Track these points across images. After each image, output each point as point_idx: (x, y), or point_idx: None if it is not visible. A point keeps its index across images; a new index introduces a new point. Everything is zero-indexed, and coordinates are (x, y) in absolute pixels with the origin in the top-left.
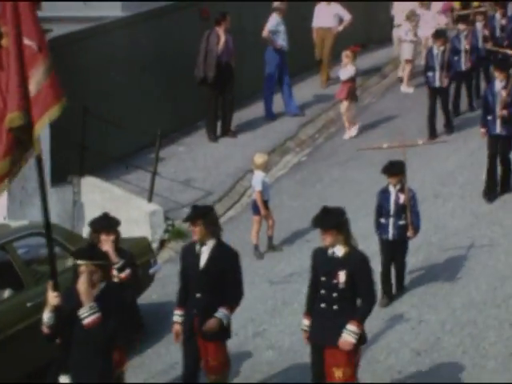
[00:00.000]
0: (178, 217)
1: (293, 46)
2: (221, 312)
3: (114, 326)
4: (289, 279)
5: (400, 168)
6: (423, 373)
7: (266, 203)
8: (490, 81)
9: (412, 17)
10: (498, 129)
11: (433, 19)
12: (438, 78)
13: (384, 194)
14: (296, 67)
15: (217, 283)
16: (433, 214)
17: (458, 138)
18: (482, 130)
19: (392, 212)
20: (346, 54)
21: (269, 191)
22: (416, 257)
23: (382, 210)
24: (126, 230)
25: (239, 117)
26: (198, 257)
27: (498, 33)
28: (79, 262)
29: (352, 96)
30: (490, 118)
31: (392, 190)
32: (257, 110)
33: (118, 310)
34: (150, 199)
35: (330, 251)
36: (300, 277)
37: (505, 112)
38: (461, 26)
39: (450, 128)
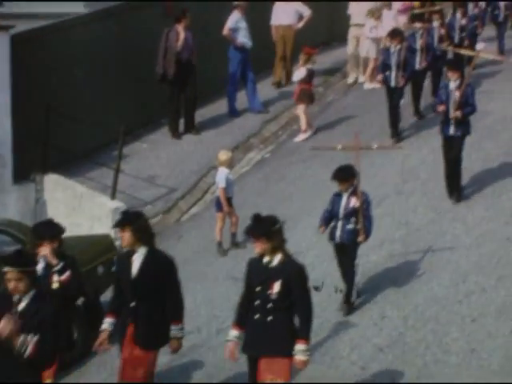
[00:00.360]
0: None
1: (257, 43)
2: (174, 330)
3: (42, 344)
4: None
5: (350, 173)
6: (386, 368)
7: (229, 200)
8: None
9: (376, 12)
10: (452, 130)
11: (393, 19)
12: (394, 78)
13: (336, 196)
14: (260, 64)
15: (151, 291)
16: (395, 211)
17: (420, 136)
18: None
19: (341, 215)
20: (300, 56)
21: (232, 188)
22: (379, 253)
23: (331, 213)
24: (89, 228)
25: (203, 114)
26: (130, 265)
27: (457, 33)
28: (6, 268)
29: (304, 98)
30: (443, 118)
31: (344, 193)
32: (220, 107)
33: (45, 324)
34: (113, 196)
35: (265, 260)
36: None
37: (458, 113)
38: (417, 25)
39: (396, 134)
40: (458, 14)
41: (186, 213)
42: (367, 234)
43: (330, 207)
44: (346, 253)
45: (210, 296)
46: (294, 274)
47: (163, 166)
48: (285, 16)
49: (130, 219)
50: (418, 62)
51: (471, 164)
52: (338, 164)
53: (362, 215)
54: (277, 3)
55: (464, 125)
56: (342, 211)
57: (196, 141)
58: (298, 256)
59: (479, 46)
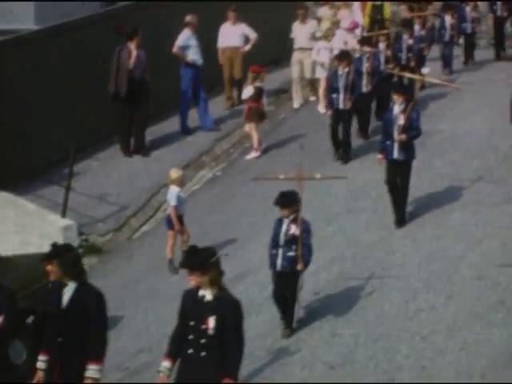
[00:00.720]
0: (93, 232)
1: (210, 61)
2: (91, 370)
3: None
4: None
5: (292, 199)
6: None
7: (180, 218)
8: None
9: (330, 36)
10: (396, 154)
11: (341, 38)
12: (342, 100)
13: (278, 222)
14: (213, 82)
15: (78, 327)
16: (346, 228)
17: (370, 154)
18: (380, 155)
19: (281, 242)
20: (248, 75)
21: (184, 206)
22: (330, 271)
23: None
24: (39, 246)
25: (155, 131)
26: (60, 298)
27: (404, 53)
28: None
29: (254, 116)
30: (388, 142)
31: (285, 219)
32: (173, 124)
33: None
34: (63, 214)
35: (200, 294)
36: None
37: (403, 136)
38: (366, 49)
39: (347, 154)
40: (405, 35)
41: (137, 231)
42: (306, 263)
43: (273, 232)
44: (287, 281)
45: (162, 314)
46: (230, 310)
47: (114, 184)
48: (231, 38)
49: (56, 253)
50: (365, 85)
51: (421, 182)
52: (289, 182)
53: (301, 243)
54: (224, 25)
55: (408, 149)
56: (282, 238)
57: (147, 158)
58: (249, 274)
59: (424, 70)
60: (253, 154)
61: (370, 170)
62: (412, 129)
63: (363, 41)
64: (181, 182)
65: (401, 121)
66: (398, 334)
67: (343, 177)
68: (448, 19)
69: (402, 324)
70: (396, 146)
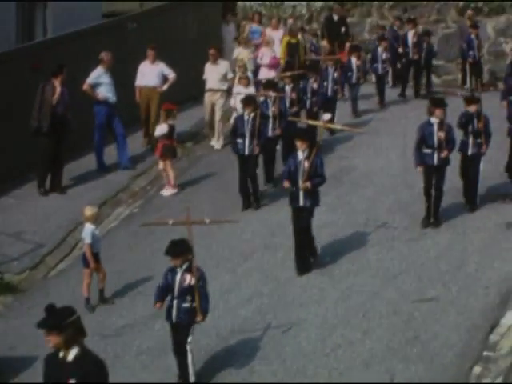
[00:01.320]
0: (8, 270)
1: (127, 98)
2: None
3: None
4: (120, 332)
5: (183, 248)
6: None
7: (96, 256)
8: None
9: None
10: (302, 201)
11: (263, 75)
12: (248, 146)
13: (171, 272)
14: (131, 118)
15: None
16: (264, 265)
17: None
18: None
19: (176, 293)
20: (161, 112)
21: (99, 243)
22: (248, 308)
23: (164, 289)
24: None
25: (72, 168)
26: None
27: (308, 97)
28: None
29: (168, 153)
30: (294, 189)
31: (178, 269)
32: (90, 161)
33: None
34: None
35: (60, 355)
36: (132, 329)
37: (308, 184)
38: (271, 93)
39: (257, 201)
40: (311, 79)
41: (53, 269)
42: (204, 313)
43: (162, 282)
44: (181, 332)
45: None
46: (92, 371)
47: (30, 222)
48: (149, 77)
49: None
50: (271, 129)
51: (337, 218)
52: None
53: (198, 293)
54: (142, 64)
55: (313, 196)
56: (176, 288)
57: (64, 196)
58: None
59: (325, 116)
60: (170, 191)
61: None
62: (316, 176)
63: (268, 85)
64: (95, 220)
65: (305, 167)
66: (316, 370)
67: (234, 220)
68: (354, 61)
69: (319, 360)
70: (301, 193)
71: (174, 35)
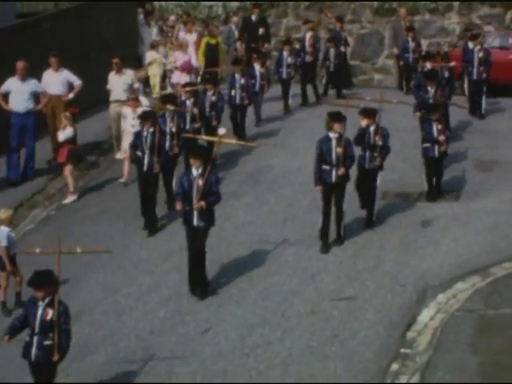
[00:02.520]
0: None
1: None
2: None
3: None
4: None
5: (47, 280)
6: None
7: (13, 258)
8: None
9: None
10: (196, 221)
11: (176, 79)
12: (147, 163)
13: (31, 305)
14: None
15: None
16: (182, 266)
17: None
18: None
19: (37, 329)
20: (64, 116)
21: (15, 246)
22: (166, 308)
23: (22, 322)
24: None
25: None
26: None
27: (207, 110)
28: None
29: (74, 158)
30: (187, 208)
31: (40, 302)
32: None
33: None
34: None
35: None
36: None
37: (202, 203)
38: (170, 107)
39: (151, 227)
40: (209, 92)
41: None
42: (63, 352)
43: (21, 314)
44: (43, 373)
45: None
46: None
47: None
48: (54, 86)
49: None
50: (169, 147)
51: (256, 218)
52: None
53: (58, 329)
54: (46, 72)
55: (208, 215)
56: (37, 323)
57: None
58: (84, 314)
59: (220, 131)
60: (70, 198)
61: None
62: (211, 194)
63: (166, 99)
64: (11, 222)
65: (199, 186)
66: (235, 370)
67: (106, 251)
68: (257, 68)
69: (239, 360)
70: (195, 213)
71: (89, 35)
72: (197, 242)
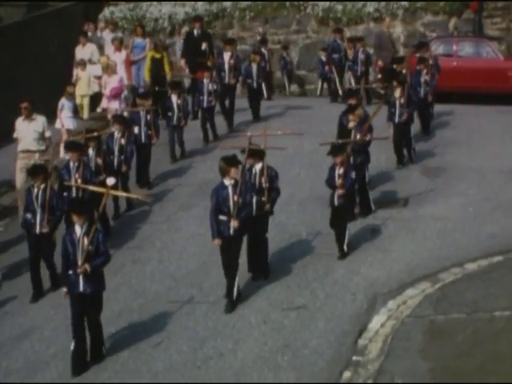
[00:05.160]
0: None
1: None
2: None
3: None
4: None
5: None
6: None
7: None
8: None
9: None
10: (82, 287)
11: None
12: (39, 222)
13: None
14: None
15: None
16: (132, 280)
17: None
18: (65, 290)
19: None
20: None
21: None
22: (117, 324)
23: None
24: None
25: None
26: None
27: (116, 155)
28: None
29: None
30: (71, 272)
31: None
32: None
33: None
34: None
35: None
36: None
37: (86, 267)
38: (68, 156)
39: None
40: (116, 133)
41: None
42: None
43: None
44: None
45: None
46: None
47: None
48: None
49: None
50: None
51: (206, 230)
52: None
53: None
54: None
55: (96, 279)
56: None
57: None
58: (35, 331)
59: (109, 181)
60: None
61: (156, 218)
62: (98, 254)
63: (70, 146)
64: None
65: (85, 246)
66: (188, 382)
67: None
68: (175, 99)
69: (191, 372)
70: (81, 277)
71: (34, 49)
72: (89, 313)
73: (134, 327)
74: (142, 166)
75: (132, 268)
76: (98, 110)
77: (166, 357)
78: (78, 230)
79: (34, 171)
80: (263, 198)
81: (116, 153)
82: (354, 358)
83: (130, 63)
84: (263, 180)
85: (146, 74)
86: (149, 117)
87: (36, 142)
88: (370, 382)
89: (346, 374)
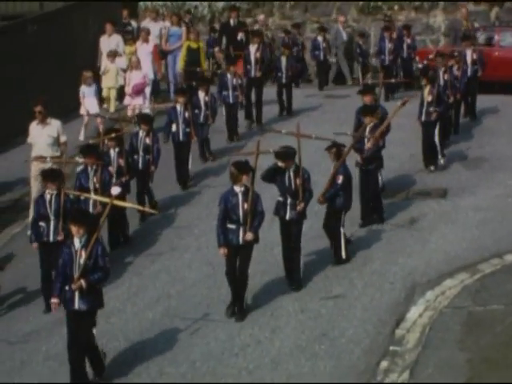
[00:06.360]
0: None
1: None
2: None
3: None
4: (27, 338)
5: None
6: None
7: None
8: None
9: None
10: (77, 304)
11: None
12: (53, 231)
13: None
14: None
15: None
16: (171, 267)
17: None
18: (54, 300)
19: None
20: None
21: None
22: (155, 310)
23: None
24: None
25: None
26: None
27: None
28: None
29: None
30: (66, 288)
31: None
32: None
33: None
34: None
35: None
36: (38, 335)
37: (82, 282)
38: (87, 162)
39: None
40: (142, 133)
41: None
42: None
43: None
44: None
45: None
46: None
47: None
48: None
49: None
50: (92, 207)
51: None
52: None
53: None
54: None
55: (93, 296)
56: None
57: None
58: None
59: (114, 190)
60: None
61: (195, 207)
62: (96, 269)
63: (87, 150)
64: None
65: (81, 260)
66: (225, 370)
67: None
68: (202, 96)
69: (228, 360)
70: (77, 294)
71: (75, 36)
72: (80, 333)
73: (171, 314)
74: (181, 164)
75: (170, 255)
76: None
77: (203, 344)
78: (77, 243)
79: (48, 175)
80: (297, 201)
81: (141, 152)
82: (392, 347)
83: (158, 55)
84: (297, 182)
85: (180, 64)
86: (187, 114)
87: (50, 148)
88: (407, 372)
89: (383, 364)
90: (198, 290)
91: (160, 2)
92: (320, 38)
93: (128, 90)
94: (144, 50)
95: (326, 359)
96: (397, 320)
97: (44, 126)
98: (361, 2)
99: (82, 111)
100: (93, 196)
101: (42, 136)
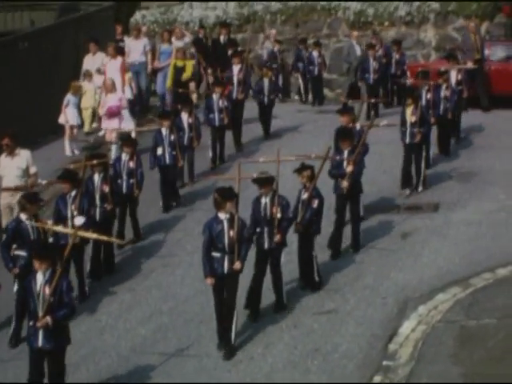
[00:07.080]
0: None
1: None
2: None
3: None
4: None
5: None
6: None
7: None
8: None
9: None
10: (41, 341)
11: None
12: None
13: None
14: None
15: None
16: (163, 283)
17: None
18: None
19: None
20: None
21: None
22: (147, 326)
23: None
24: None
25: None
26: None
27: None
28: None
29: None
30: (31, 324)
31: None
32: None
33: None
34: None
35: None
36: None
37: (48, 319)
38: (65, 188)
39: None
40: (125, 157)
41: None
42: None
43: None
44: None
45: None
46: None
47: None
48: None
49: None
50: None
51: None
52: None
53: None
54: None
55: (59, 334)
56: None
57: None
58: None
59: (77, 220)
60: None
61: (186, 223)
62: (62, 306)
63: (66, 176)
64: None
65: (46, 295)
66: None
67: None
68: (185, 118)
69: (222, 376)
70: (40, 331)
71: (66, 54)
72: (51, 368)
73: (164, 330)
74: (169, 188)
75: (163, 271)
76: (94, 125)
77: (196, 360)
78: (40, 278)
79: (27, 200)
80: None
81: (124, 177)
82: (385, 362)
83: (125, 71)
84: (274, 210)
85: (168, 83)
86: (172, 137)
87: (19, 180)
88: None
89: (376, 379)
90: (191, 306)
91: (151, 18)
92: (315, 53)
93: (102, 112)
94: (113, 66)
95: (319, 374)
96: (389, 335)
97: (13, 158)
98: (351, 17)
99: (61, 120)
100: (57, 228)
101: (12, 168)
